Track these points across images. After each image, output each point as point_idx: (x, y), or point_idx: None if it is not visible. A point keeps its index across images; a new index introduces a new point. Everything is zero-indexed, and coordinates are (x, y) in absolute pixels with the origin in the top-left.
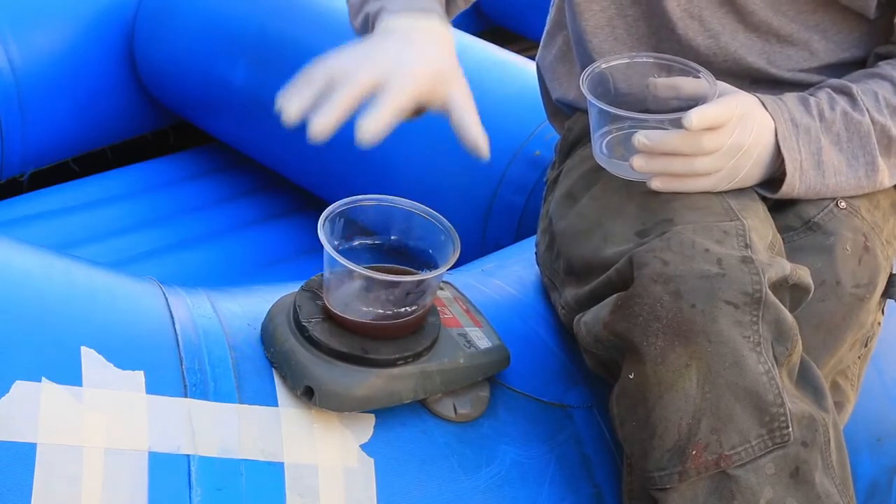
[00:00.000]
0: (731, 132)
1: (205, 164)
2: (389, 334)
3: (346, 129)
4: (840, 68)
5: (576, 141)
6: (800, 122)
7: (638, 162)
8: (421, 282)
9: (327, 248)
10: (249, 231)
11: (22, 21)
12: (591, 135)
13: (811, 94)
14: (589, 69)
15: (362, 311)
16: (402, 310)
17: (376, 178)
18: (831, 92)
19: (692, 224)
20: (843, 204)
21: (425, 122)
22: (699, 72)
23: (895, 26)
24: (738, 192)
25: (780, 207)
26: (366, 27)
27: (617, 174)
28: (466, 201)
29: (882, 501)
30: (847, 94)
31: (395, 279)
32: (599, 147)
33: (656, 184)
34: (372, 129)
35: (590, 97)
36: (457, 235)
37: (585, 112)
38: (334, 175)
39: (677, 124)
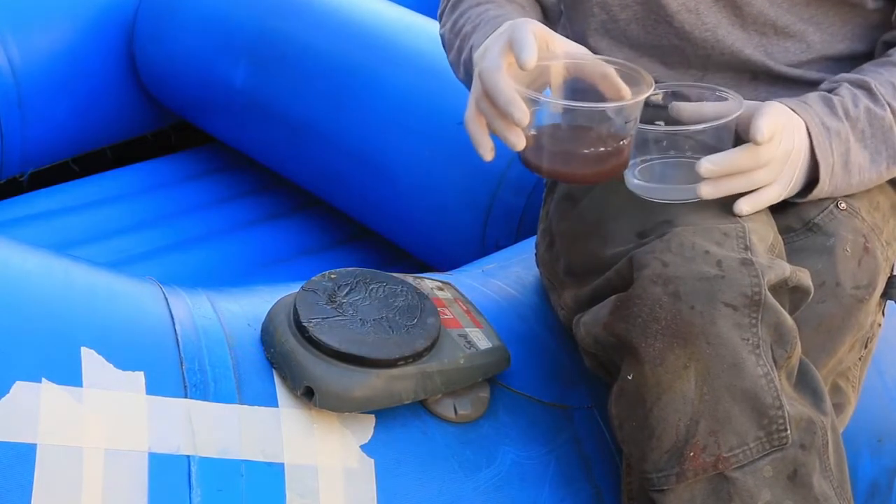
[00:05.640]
0: (780, 140)
1: (205, 164)
2: (609, 174)
3: (347, 130)
4: (837, 60)
5: None
6: (830, 125)
7: (706, 190)
8: (625, 107)
9: (543, 98)
10: (249, 231)
11: (22, 21)
12: None
13: (832, 93)
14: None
15: (583, 155)
16: (619, 143)
17: (376, 178)
18: (851, 87)
19: (692, 225)
20: (843, 205)
21: (425, 123)
22: (715, 90)
23: (894, 17)
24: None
25: (780, 208)
26: (467, 73)
27: (653, 199)
28: (466, 201)
29: (882, 502)
30: (866, 88)
31: (605, 105)
32: (633, 174)
33: (744, 208)
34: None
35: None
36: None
37: None
38: (334, 175)
39: (721, 131)
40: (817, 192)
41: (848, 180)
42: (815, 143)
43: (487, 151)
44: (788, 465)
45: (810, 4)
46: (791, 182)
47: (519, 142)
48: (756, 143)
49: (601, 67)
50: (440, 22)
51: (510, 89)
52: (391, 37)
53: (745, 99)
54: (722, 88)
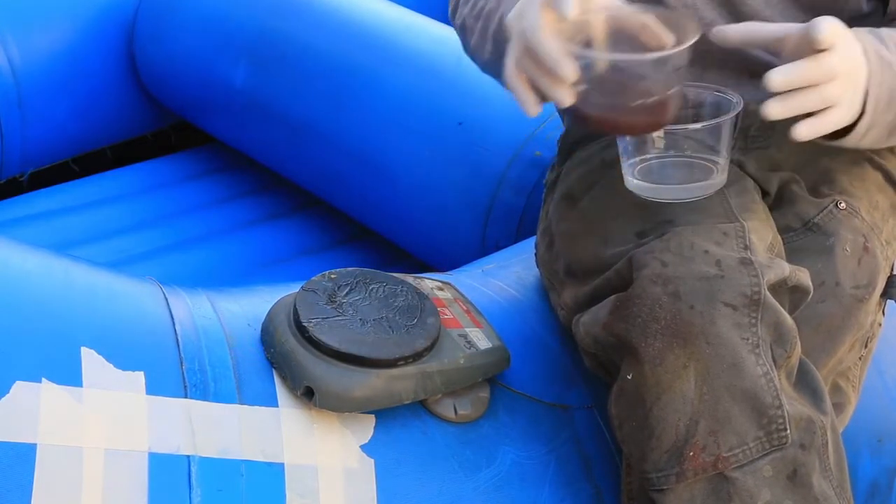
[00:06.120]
0: (842, 51)
1: (205, 164)
2: (657, 124)
3: (347, 130)
4: None
5: (575, 142)
6: (884, 55)
7: (774, 107)
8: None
9: (589, 52)
10: (249, 231)
11: (22, 21)
12: (622, 163)
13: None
14: None
15: (631, 107)
16: (667, 93)
17: (376, 178)
18: (892, 30)
19: (692, 225)
20: (842, 205)
21: (425, 123)
22: (714, 90)
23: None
24: (740, 192)
25: (779, 208)
26: (496, 45)
27: (653, 198)
28: (466, 201)
29: (882, 502)
30: None
31: (651, 56)
32: (632, 174)
33: (804, 131)
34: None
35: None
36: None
37: None
38: (334, 175)
39: (720, 130)
40: (856, 132)
41: (885, 119)
42: (871, 68)
43: (533, 107)
44: (788, 465)
45: (804, 10)
46: (857, 100)
47: (566, 97)
48: (817, 43)
49: (640, 18)
50: (454, 16)
51: (555, 46)
52: (391, 37)
53: (745, 98)
54: (721, 88)
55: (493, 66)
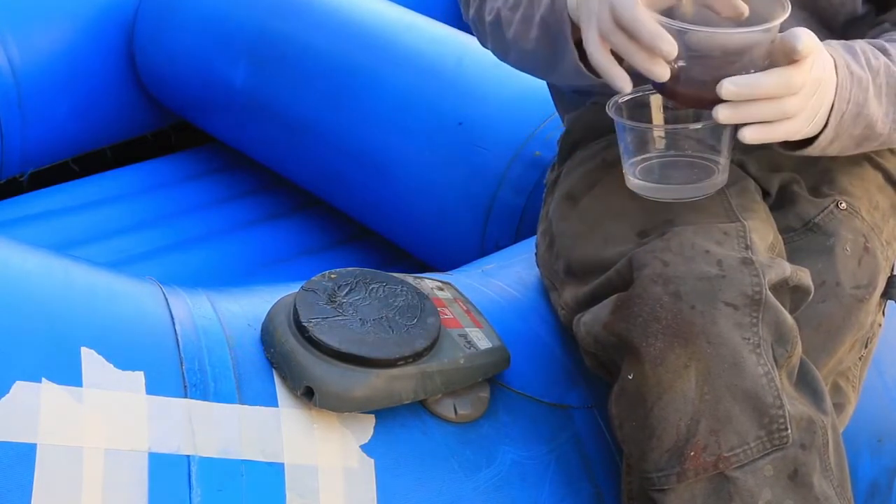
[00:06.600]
0: (811, 65)
1: (205, 164)
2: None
3: (347, 130)
4: None
5: (576, 142)
6: (854, 69)
7: (723, 113)
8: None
9: (693, 28)
10: (249, 231)
11: (22, 21)
12: (623, 163)
13: (852, 43)
14: (615, 98)
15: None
16: (766, 63)
17: (376, 178)
18: (867, 44)
19: (693, 225)
20: (843, 205)
21: (425, 123)
22: None
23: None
24: (741, 192)
25: (780, 208)
26: (547, 29)
27: (655, 198)
28: (466, 202)
29: (882, 502)
30: (881, 48)
31: (758, 28)
32: (633, 173)
33: (749, 135)
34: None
35: (629, 123)
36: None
37: (587, 107)
38: (334, 175)
39: (720, 129)
40: (817, 144)
41: (851, 133)
42: (839, 83)
43: (626, 83)
44: (789, 465)
45: (802, 8)
46: (815, 118)
47: (663, 73)
48: (795, 52)
49: None
50: (479, 11)
51: (653, 21)
52: (391, 37)
53: None
54: None
55: (536, 54)
